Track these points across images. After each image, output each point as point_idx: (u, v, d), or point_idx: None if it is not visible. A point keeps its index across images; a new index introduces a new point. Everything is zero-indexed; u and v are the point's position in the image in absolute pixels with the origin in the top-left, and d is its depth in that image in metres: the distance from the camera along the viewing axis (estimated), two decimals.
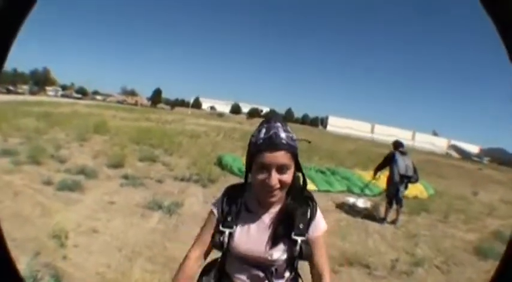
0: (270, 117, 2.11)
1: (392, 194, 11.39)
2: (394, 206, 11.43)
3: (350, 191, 15.43)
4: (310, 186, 14.28)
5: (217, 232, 2.17)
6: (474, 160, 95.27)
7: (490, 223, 13.64)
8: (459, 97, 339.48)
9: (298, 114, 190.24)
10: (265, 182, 1.96)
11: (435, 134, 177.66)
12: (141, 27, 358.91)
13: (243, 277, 2.18)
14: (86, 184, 11.01)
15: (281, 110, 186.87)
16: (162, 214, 9.18)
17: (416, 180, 11.56)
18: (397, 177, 11.15)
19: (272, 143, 1.94)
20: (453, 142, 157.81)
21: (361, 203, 12.89)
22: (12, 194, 9.32)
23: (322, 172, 18.22)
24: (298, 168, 2.10)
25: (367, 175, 16.96)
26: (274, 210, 2.16)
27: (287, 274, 2.23)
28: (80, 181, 11.06)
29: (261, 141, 1.97)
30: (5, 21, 1.20)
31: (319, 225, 2.20)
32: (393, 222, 11.36)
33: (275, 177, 1.94)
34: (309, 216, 2.15)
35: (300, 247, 2.07)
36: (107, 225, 8.04)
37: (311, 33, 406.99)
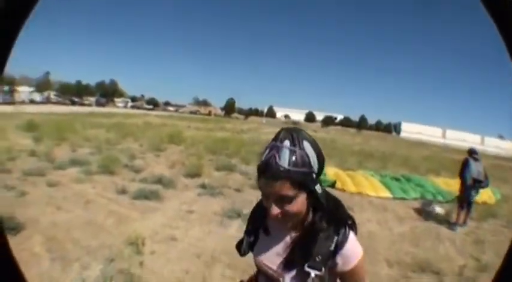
0: (282, 131, 1.80)
1: (464, 198, 11.93)
2: (465, 210, 11.92)
3: (424, 198, 15.57)
4: (386, 194, 15.01)
5: (241, 239, 2.15)
6: None
7: None
8: None
9: (371, 120, 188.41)
10: (268, 210, 1.75)
11: (501, 137, 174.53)
12: (210, 37, 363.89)
13: None
14: (163, 193, 11.28)
15: (355, 117, 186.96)
16: (241, 222, 9.16)
17: (486, 186, 12.27)
18: (469, 181, 11.73)
19: (268, 170, 1.68)
20: None
21: (438, 208, 13.44)
22: (84, 203, 9.63)
23: (397, 179, 18.43)
24: (312, 193, 1.78)
25: (440, 182, 17.73)
26: (296, 229, 1.92)
27: None
28: (157, 190, 11.33)
29: (260, 164, 1.74)
30: (6, 21, 1.25)
31: (350, 258, 1.83)
32: (462, 223, 11.82)
33: (275, 210, 1.72)
34: (333, 247, 1.81)
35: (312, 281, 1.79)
36: (185, 233, 8.19)
37: (379, 41, 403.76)
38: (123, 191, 10.95)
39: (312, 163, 1.73)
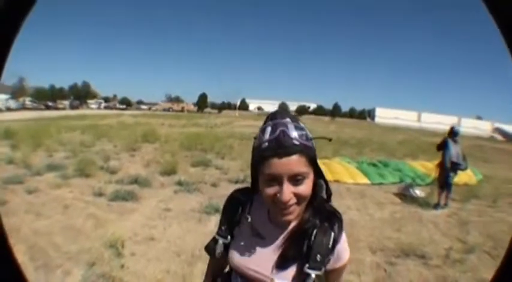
0: (277, 111, 1.71)
1: (443, 180, 12.22)
2: (445, 191, 12.22)
3: (402, 182, 15.63)
4: (364, 180, 15.13)
5: (212, 240, 1.92)
6: None
7: None
8: (499, 79, 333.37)
9: (345, 108, 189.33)
10: (276, 197, 1.55)
11: (479, 118, 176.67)
12: (178, 33, 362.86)
13: None
14: (139, 193, 11.27)
15: (328, 105, 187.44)
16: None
17: (465, 168, 12.45)
18: (448, 164, 11.97)
19: (281, 146, 1.52)
20: (496, 125, 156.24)
21: (417, 191, 13.45)
22: (62, 208, 9.58)
23: (374, 165, 18.55)
24: (318, 174, 1.70)
25: (417, 165, 17.98)
26: (289, 226, 1.74)
27: None
28: (134, 190, 11.33)
29: (266, 144, 1.55)
30: (5, 21, 1.22)
31: (343, 254, 1.74)
32: (443, 205, 12.09)
33: (288, 191, 1.53)
34: (331, 244, 1.68)
35: None
36: (164, 232, 8.20)
37: (348, 27, 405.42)
38: (100, 194, 10.91)
39: (313, 142, 1.64)
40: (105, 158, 17.22)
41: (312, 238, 1.66)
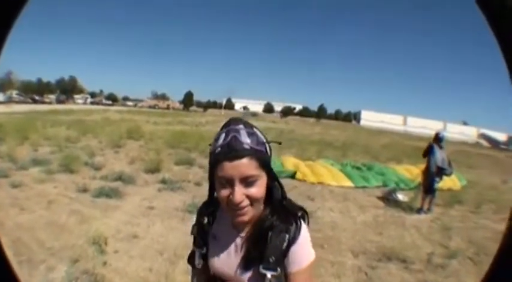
0: (230, 119, 1.78)
1: (428, 185, 12.21)
2: (429, 196, 12.24)
3: (386, 186, 15.72)
4: (347, 183, 15.06)
5: (191, 252, 2.05)
6: (502, 148, 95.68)
7: None
8: (486, 86, 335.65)
9: (331, 110, 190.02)
10: (229, 199, 1.64)
11: (465, 123, 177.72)
12: (167, 30, 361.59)
13: None
14: (124, 190, 11.26)
15: (314, 106, 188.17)
16: None
17: (450, 173, 12.54)
18: (433, 169, 12.01)
19: (232, 150, 1.61)
20: (482, 131, 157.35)
21: (401, 196, 13.56)
22: (46, 203, 9.55)
23: (358, 168, 18.61)
24: (271, 177, 1.76)
25: (401, 169, 18.01)
26: (248, 228, 1.83)
27: None
28: (118, 187, 11.32)
29: (219, 149, 1.65)
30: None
31: (299, 257, 1.74)
32: (427, 210, 12.07)
33: (240, 192, 1.62)
34: (285, 246, 1.72)
35: None
36: (147, 230, 8.20)
37: (337, 30, 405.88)
38: (84, 190, 10.89)
39: (266, 145, 1.73)
40: (90, 153, 17.23)
41: (268, 240, 1.72)
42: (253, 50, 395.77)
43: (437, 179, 12.14)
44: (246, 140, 1.63)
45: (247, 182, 1.62)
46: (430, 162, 12.13)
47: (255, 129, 1.72)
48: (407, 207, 12.30)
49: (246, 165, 1.61)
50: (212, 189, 1.81)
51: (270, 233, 1.73)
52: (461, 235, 9.95)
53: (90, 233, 7.25)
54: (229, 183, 1.62)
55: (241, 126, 1.68)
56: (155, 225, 8.51)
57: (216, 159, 1.64)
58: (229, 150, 1.60)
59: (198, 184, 12.94)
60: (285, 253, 1.71)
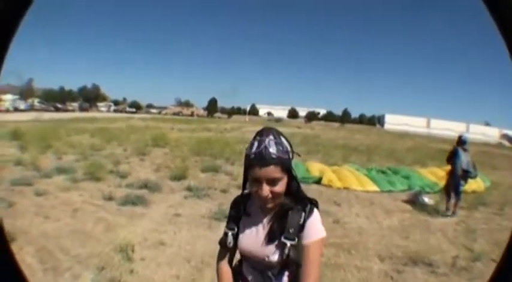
0: (263, 129, 2.24)
1: (453, 188, 12.31)
2: (453, 200, 12.27)
3: (411, 190, 15.55)
4: (373, 188, 15.10)
5: (224, 233, 2.46)
6: None
7: None
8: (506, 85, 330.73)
9: (355, 114, 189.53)
10: (258, 192, 2.15)
11: (487, 124, 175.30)
12: (190, 37, 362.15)
13: (250, 277, 2.43)
14: (149, 198, 11.30)
15: (338, 111, 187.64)
16: None
17: (475, 176, 12.71)
18: (459, 172, 12.12)
19: (262, 159, 2.09)
20: (504, 131, 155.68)
21: (426, 199, 13.57)
22: (72, 211, 9.62)
23: (383, 172, 18.66)
24: (291, 176, 2.22)
25: (427, 172, 17.94)
26: (273, 212, 2.31)
27: (285, 278, 2.31)
28: (144, 195, 11.36)
29: (253, 156, 2.13)
30: (2, 21, 1.28)
31: (312, 232, 2.21)
32: (452, 213, 12.09)
33: (266, 189, 2.12)
34: (301, 221, 2.21)
35: (289, 250, 2.17)
36: (174, 237, 8.22)
37: (355, 33, 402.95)
38: (109, 198, 10.93)
39: (289, 152, 2.19)
40: (115, 161, 17.29)
41: (288, 217, 2.21)
42: (277, 55, 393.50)
43: (462, 182, 12.24)
44: (273, 151, 2.10)
45: (273, 182, 2.12)
46: (456, 166, 12.22)
47: (282, 139, 2.20)
48: (433, 211, 12.34)
49: (272, 170, 2.09)
50: (245, 183, 2.33)
51: (289, 212, 2.23)
52: (486, 237, 9.92)
53: (116, 241, 7.30)
54: (259, 182, 2.12)
55: (271, 137, 2.15)
56: (182, 233, 8.54)
57: (249, 164, 2.15)
58: (260, 158, 2.09)
59: (224, 191, 12.95)
60: (302, 226, 2.20)
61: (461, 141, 12.48)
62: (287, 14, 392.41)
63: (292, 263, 2.20)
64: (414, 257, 7.94)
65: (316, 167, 17.23)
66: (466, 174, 12.18)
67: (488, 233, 10.38)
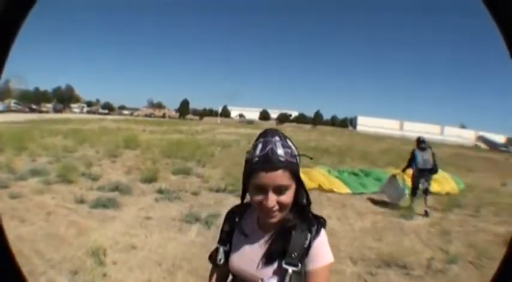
0: (267, 130, 1.95)
1: (414, 187, 12.85)
2: (421, 198, 12.72)
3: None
4: (345, 190, 15.05)
5: (214, 249, 2.19)
6: (501, 150, 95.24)
7: None
8: (482, 88, 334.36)
9: (327, 116, 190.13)
10: (262, 203, 1.82)
11: (463, 126, 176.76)
12: (162, 39, 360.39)
13: None
14: (120, 200, 11.21)
15: (310, 113, 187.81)
16: (200, 226, 9.24)
17: (435, 172, 13.02)
18: (416, 172, 12.74)
19: (268, 162, 1.78)
20: (480, 133, 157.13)
21: (401, 183, 13.66)
22: (45, 214, 9.53)
23: (355, 174, 18.56)
24: (300, 185, 1.92)
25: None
26: (272, 229, 2.00)
27: None
28: (115, 198, 11.27)
29: (257, 159, 1.82)
30: (4, 22, 1.24)
31: (319, 257, 1.90)
32: (424, 214, 12.32)
33: (272, 199, 1.80)
34: (307, 244, 1.88)
35: (290, 278, 1.85)
36: (145, 240, 8.17)
37: (329, 35, 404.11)
38: (81, 201, 10.85)
39: (297, 157, 1.88)
40: (87, 164, 17.15)
41: (291, 238, 1.88)
42: (248, 57, 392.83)
43: (421, 180, 12.62)
44: (281, 153, 1.79)
45: (280, 190, 1.80)
46: (413, 167, 12.83)
47: (289, 142, 1.88)
48: (406, 214, 12.10)
49: (280, 176, 1.77)
50: (245, 192, 1.99)
51: (293, 232, 1.90)
52: (461, 239, 9.92)
53: (88, 245, 7.26)
54: (264, 190, 1.80)
55: (277, 138, 1.85)
56: (153, 236, 8.46)
57: (253, 168, 1.82)
58: (265, 161, 1.77)
59: (195, 194, 12.87)
60: (307, 250, 1.87)
61: (420, 142, 12.92)
62: (256, 15, 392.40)
63: None
64: (387, 259, 7.92)
65: None
66: (424, 172, 12.62)
67: (463, 235, 10.45)
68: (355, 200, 14.05)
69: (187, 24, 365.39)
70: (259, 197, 1.82)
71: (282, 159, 1.78)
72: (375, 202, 13.90)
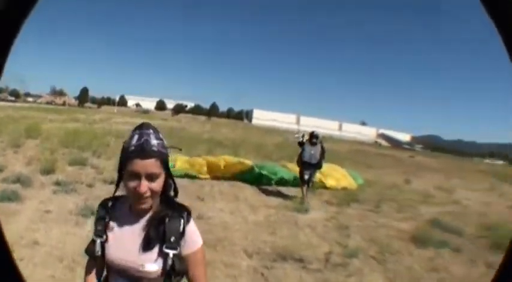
0: (143, 124, 2.16)
1: (300, 177, 13.75)
2: (310, 194, 13.79)
3: (279, 184, 16.33)
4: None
5: (91, 242, 2.25)
6: (405, 148, 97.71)
7: (426, 211, 14.10)
8: (387, 86, 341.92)
9: (223, 108, 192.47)
10: (135, 189, 2.00)
11: (363, 123, 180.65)
12: (67, 23, 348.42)
13: None
14: (23, 193, 10.79)
15: (206, 104, 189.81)
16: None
17: (319, 168, 13.96)
18: (300, 164, 13.70)
19: (143, 150, 1.98)
20: (382, 131, 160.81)
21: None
22: None
23: None
24: (169, 175, 2.16)
25: (294, 166, 17.48)
26: (146, 217, 2.18)
27: None
28: (17, 190, 10.84)
29: (133, 148, 2.01)
30: (6, 21, 1.30)
31: (192, 241, 2.17)
32: (306, 203, 13.02)
33: (145, 185, 1.99)
34: (181, 229, 2.12)
35: (173, 261, 2.08)
36: (46, 235, 8.00)
37: (239, 29, 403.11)
38: None
39: (167, 149, 2.13)
40: None
41: (166, 224, 2.10)
42: (147, 48, 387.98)
43: (307, 172, 13.40)
44: (155, 144, 2.02)
45: (151, 177, 2.01)
46: (298, 159, 14.01)
47: (160, 135, 2.11)
48: (300, 207, 12.42)
49: (152, 164, 2.00)
50: (120, 179, 2.17)
51: (166, 219, 2.11)
52: (361, 234, 10.17)
53: None
54: (137, 177, 1.99)
55: (151, 131, 2.07)
56: (52, 231, 8.34)
57: (129, 156, 2.02)
58: (141, 150, 1.98)
59: (90, 186, 12.84)
60: (181, 234, 2.10)
61: (312, 137, 13.76)
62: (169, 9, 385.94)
63: (177, 274, 2.11)
64: (283, 252, 8.05)
65: (181, 160, 16.47)
66: (310, 166, 13.45)
67: (363, 229, 10.72)
68: (248, 193, 14.33)
69: (92, 8, 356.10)
70: (133, 183, 2.01)
71: (155, 149, 2.01)
72: (268, 195, 14.34)
